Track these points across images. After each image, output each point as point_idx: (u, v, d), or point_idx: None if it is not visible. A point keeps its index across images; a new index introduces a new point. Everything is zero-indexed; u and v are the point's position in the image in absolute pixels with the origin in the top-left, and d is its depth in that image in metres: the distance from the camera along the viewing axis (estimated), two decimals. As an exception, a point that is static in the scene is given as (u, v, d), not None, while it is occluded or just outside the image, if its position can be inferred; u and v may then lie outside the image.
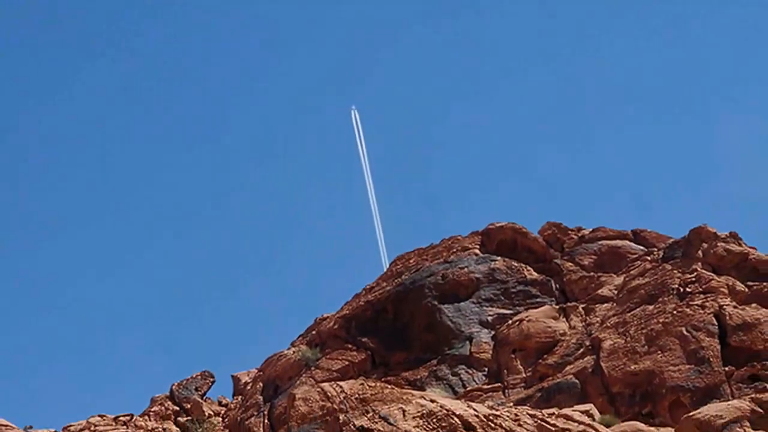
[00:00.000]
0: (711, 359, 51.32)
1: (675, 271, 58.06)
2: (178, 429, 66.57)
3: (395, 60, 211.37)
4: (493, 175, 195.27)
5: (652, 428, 48.79)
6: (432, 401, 49.86)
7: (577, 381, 54.52)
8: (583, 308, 60.63)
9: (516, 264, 65.30)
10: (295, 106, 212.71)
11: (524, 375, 57.81)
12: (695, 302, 54.55)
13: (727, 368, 50.71)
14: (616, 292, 60.40)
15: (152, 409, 68.97)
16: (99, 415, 65.69)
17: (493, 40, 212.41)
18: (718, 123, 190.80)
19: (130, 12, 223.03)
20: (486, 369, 59.50)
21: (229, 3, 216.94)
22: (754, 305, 53.55)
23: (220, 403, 71.94)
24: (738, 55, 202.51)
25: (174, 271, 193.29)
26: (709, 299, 54.43)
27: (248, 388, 67.95)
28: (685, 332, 53.07)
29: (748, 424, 45.19)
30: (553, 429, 47.10)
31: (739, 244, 58.77)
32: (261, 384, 65.75)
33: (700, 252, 58.71)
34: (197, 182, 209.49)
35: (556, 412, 49.60)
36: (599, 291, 61.61)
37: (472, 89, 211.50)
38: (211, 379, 72.46)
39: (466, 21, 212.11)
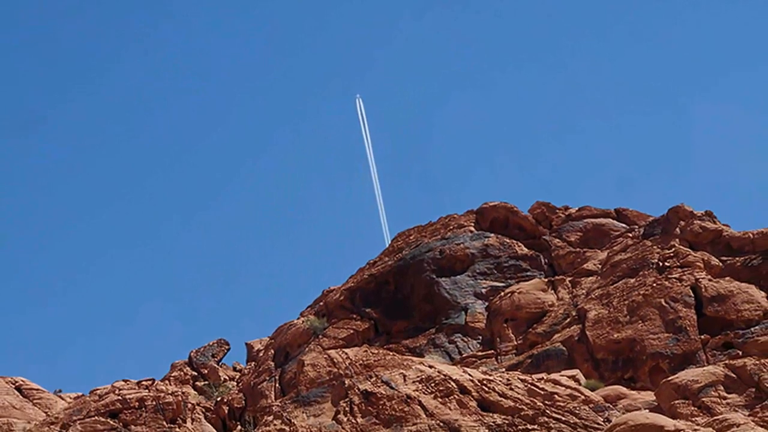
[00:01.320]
0: (688, 328, 51.37)
1: (654, 247, 58.07)
2: (195, 393, 66.62)
3: (398, 52, 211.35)
4: (487, 158, 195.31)
5: (633, 392, 48.88)
6: (430, 367, 50.00)
7: (564, 348, 54.58)
8: (569, 281, 60.65)
9: (508, 240, 65.28)
10: (305, 95, 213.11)
11: (515, 343, 57.86)
12: (673, 276, 54.58)
13: (702, 336, 50.78)
14: (600, 266, 60.41)
15: (172, 374, 69.08)
16: (123, 380, 65.71)
17: (489, 35, 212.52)
18: (694, 112, 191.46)
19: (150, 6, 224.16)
20: (480, 337, 59.55)
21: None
22: (727, 278, 53.60)
23: (234, 369, 72.04)
24: (711, 51, 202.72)
25: (194, 248, 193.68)
26: (686, 273, 54.47)
27: (261, 354, 67.99)
28: (663, 303, 53.12)
29: (722, 388, 45.24)
30: (542, 393, 47.21)
31: (714, 222, 58.74)
32: (272, 351, 65.79)
33: (677, 229, 58.69)
34: (216, 166, 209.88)
35: (545, 377, 49.72)
36: (584, 265, 61.61)
37: (469, 79, 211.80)
38: (227, 347, 72.54)
39: (463, 16, 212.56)
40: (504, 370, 53.68)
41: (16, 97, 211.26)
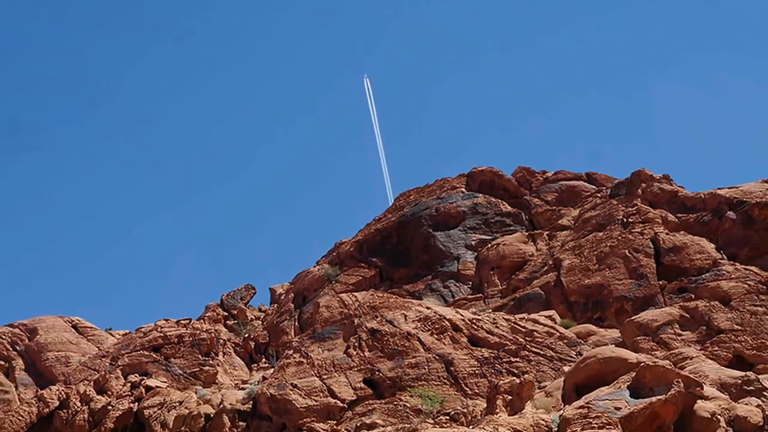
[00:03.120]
0: (648, 275, 51.36)
1: (620, 205, 57.98)
2: (226, 330, 66.73)
3: (400, 38, 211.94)
4: (477, 129, 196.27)
5: (601, 329, 48.92)
6: (428, 308, 50.02)
7: (542, 292, 54.59)
8: (547, 235, 60.62)
9: (494, 199, 65.23)
10: (321, 77, 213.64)
11: (500, 287, 57.88)
12: (636, 230, 54.53)
13: (660, 282, 50.76)
14: (573, 222, 60.37)
15: (206, 315, 69.15)
16: (164, 319, 65.82)
17: (479, 22, 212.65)
18: (654, 90, 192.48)
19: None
20: (470, 283, 59.59)
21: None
22: (682, 232, 53.54)
23: (259, 310, 72.09)
24: (669, 37, 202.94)
25: (225, 208, 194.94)
26: (646, 228, 54.41)
27: (282, 297, 68.06)
28: (627, 254, 53.09)
29: (677, 326, 45.28)
30: (523, 330, 47.24)
31: (671, 184, 58.64)
32: (292, 294, 65.89)
33: (639, 190, 58.58)
34: (244, 137, 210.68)
35: (526, 317, 49.72)
36: (560, 221, 61.57)
37: (462, 62, 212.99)
38: (253, 291, 72.58)
39: (458, 5, 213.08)
40: (490, 310, 53.71)
41: (79, 75, 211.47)
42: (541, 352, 45.13)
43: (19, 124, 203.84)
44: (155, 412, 51.12)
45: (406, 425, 39.50)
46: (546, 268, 56.69)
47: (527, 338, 46.24)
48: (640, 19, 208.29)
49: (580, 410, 30.55)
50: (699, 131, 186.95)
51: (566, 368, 41.08)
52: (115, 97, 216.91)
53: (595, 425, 29.62)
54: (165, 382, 55.54)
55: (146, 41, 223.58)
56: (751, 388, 34.57)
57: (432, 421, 37.94)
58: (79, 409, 52.92)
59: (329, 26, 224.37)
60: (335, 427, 42.69)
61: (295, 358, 48.71)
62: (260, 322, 67.62)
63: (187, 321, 65.36)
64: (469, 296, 57.94)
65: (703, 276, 49.54)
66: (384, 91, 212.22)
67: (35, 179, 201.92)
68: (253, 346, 62.19)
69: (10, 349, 65.32)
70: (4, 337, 66.20)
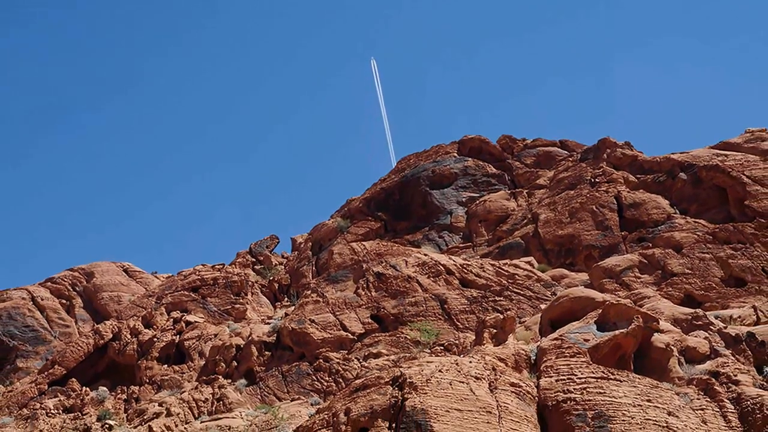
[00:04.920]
0: (612, 227, 51.37)
1: (588, 168, 57.88)
2: (254, 274, 66.80)
3: (404, 25, 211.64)
4: (468, 104, 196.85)
5: (573, 273, 49.01)
6: (425, 255, 50.12)
7: (522, 241, 54.61)
8: (526, 193, 60.53)
9: (481, 163, 65.06)
10: (332, 59, 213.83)
11: (487, 237, 57.88)
12: (602, 189, 54.47)
13: (623, 233, 50.79)
14: (548, 182, 60.26)
15: (237, 260, 69.21)
16: (202, 264, 65.94)
17: (472, 15, 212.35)
18: (618, 69, 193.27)
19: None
20: (461, 233, 59.56)
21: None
22: (641, 191, 53.48)
23: (282, 257, 72.11)
24: (631, 22, 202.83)
25: (255, 170, 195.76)
26: (611, 187, 54.34)
27: (302, 246, 68.08)
28: (595, 209, 53.05)
29: (637, 270, 45.33)
30: (506, 273, 47.32)
31: (631, 150, 58.50)
32: (310, 243, 65.88)
33: (605, 155, 58.45)
34: (268, 113, 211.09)
35: (508, 262, 49.80)
36: (537, 181, 61.47)
37: (459, 47, 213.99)
38: (277, 240, 72.58)
39: (456, 2, 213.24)
40: (478, 257, 53.77)
41: (127, 53, 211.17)
42: (522, 292, 45.23)
43: (70, 100, 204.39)
44: (194, 343, 51.34)
45: (407, 354, 39.65)
46: (525, 221, 56.67)
47: (510, 280, 46.33)
48: (607, 12, 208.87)
49: (555, 341, 30.65)
50: (656, 104, 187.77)
51: (543, 306, 41.20)
52: (162, 70, 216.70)
53: (567, 354, 29.73)
54: (202, 317, 55.74)
55: (199, 14, 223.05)
56: (700, 323, 34.66)
57: (429, 351, 38.07)
58: (129, 341, 53.16)
59: (341, 14, 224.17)
60: (347, 356, 42.85)
61: (312, 297, 48.83)
62: (283, 267, 67.68)
63: (221, 266, 65.46)
64: (460, 245, 57.95)
65: (659, 228, 49.55)
66: (389, 71, 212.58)
67: (92, 146, 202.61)
68: (276, 287, 62.28)
69: (71, 289, 65.54)
70: (65, 279, 66.40)
